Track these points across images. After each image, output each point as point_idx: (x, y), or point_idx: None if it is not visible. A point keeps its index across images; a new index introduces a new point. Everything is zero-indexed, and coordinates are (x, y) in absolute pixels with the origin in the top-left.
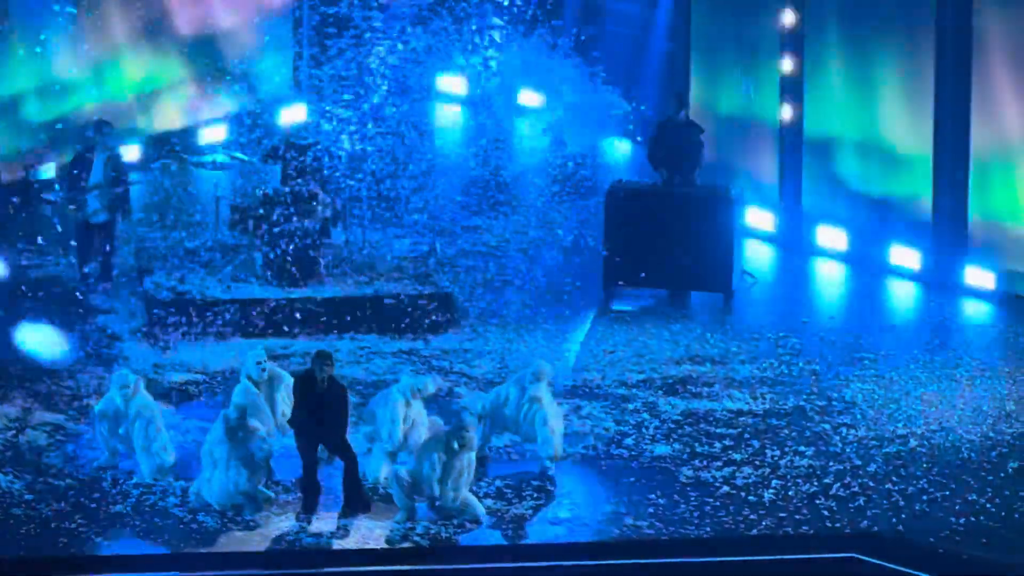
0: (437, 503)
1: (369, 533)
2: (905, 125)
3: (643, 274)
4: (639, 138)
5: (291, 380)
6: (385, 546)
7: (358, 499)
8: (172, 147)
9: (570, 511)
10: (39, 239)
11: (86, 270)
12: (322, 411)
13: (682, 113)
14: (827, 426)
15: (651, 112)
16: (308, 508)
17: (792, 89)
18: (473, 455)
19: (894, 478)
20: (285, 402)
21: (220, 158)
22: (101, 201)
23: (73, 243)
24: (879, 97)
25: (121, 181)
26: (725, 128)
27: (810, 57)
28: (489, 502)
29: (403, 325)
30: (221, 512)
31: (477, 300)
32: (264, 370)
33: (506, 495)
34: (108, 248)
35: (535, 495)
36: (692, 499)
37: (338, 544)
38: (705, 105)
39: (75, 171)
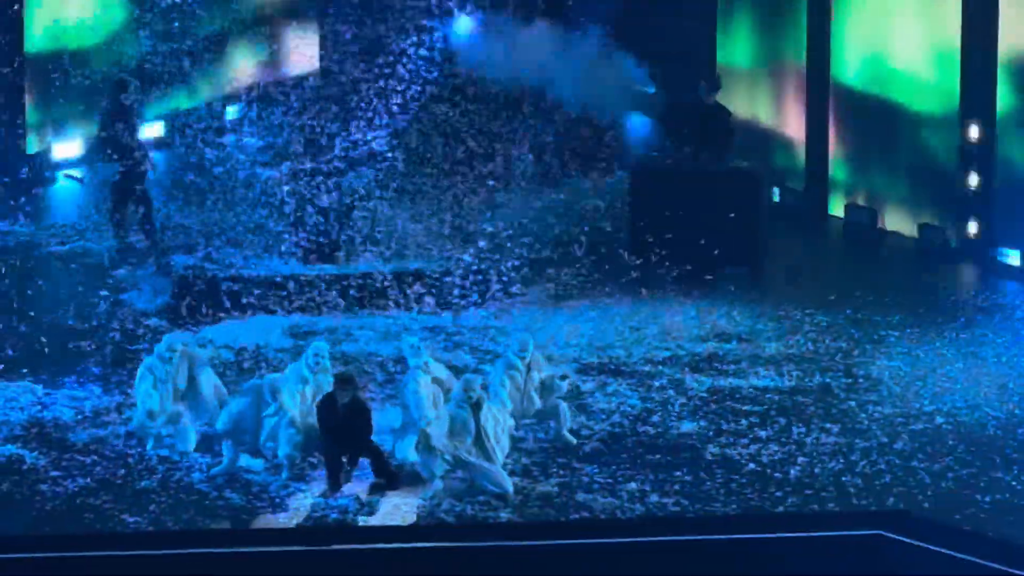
0: (459, 469)
1: (395, 510)
2: (931, 88)
3: (669, 251)
4: (663, 117)
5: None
6: (411, 523)
7: (385, 475)
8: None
9: (595, 489)
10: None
11: (122, 234)
12: (345, 434)
13: (711, 96)
14: (853, 403)
15: (676, 91)
16: (334, 487)
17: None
18: (491, 416)
19: (920, 456)
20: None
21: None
22: (134, 160)
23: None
24: (909, 59)
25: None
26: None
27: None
28: (515, 479)
29: (429, 302)
30: (245, 487)
31: (503, 277)
32: (318, 363)
33: (532, 472)
34: (147, 203)
35: (561, 472)
36: (718, 476)
37: (364, 521)
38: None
39: (105, 132)
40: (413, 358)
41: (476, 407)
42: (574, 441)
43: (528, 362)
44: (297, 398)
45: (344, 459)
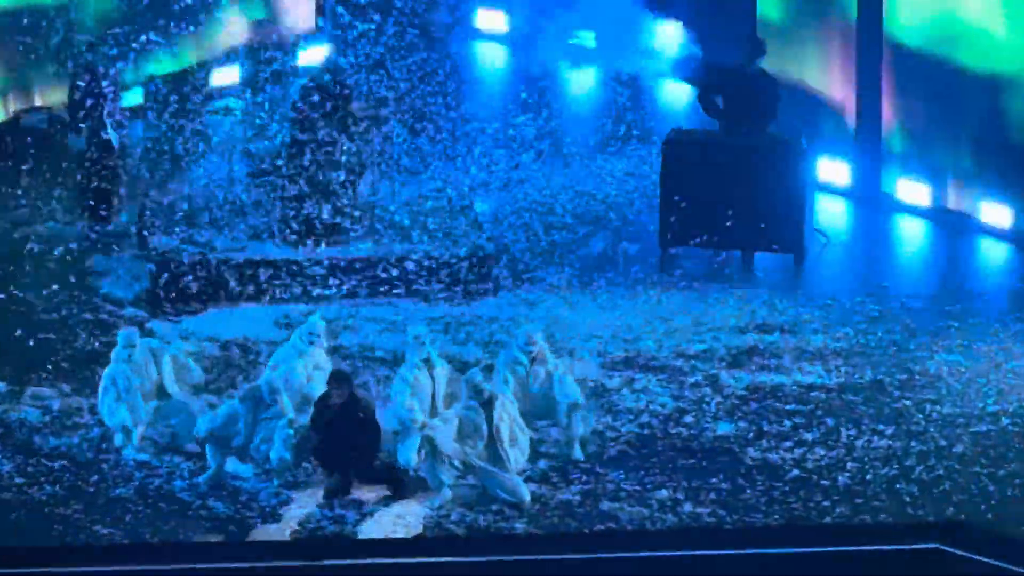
0: (470, 475)
1: (398, 521)
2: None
3: (704, 233)
4: (699, 83)
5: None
6: (415, 534)
7: (393, 485)
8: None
9: (622, 497)
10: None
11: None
12: (340, 440)
13: (756, 62)
14: (908, 402)
15: (714, 54)
16: (331, 495)
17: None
18: (505, 415)
19: (983, 460)
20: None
21: (233, 103)
22: (99, 132)
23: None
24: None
25: (105, 108)
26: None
27: None
28: (533, 487)
29: (437, 289)
30: (232, 495)
31: (519, 262)
32: (312, 343)
33: (551, 479)
34: (111, 186)
35: (583, 479)
36: (758, 484)
37: (364, 533)
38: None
39: (74, 101)
40: (412, 352)
41: (487, 405)
42: (581, 456)
43: (534, 356)
44: (298, 376)
45: (337, 470)
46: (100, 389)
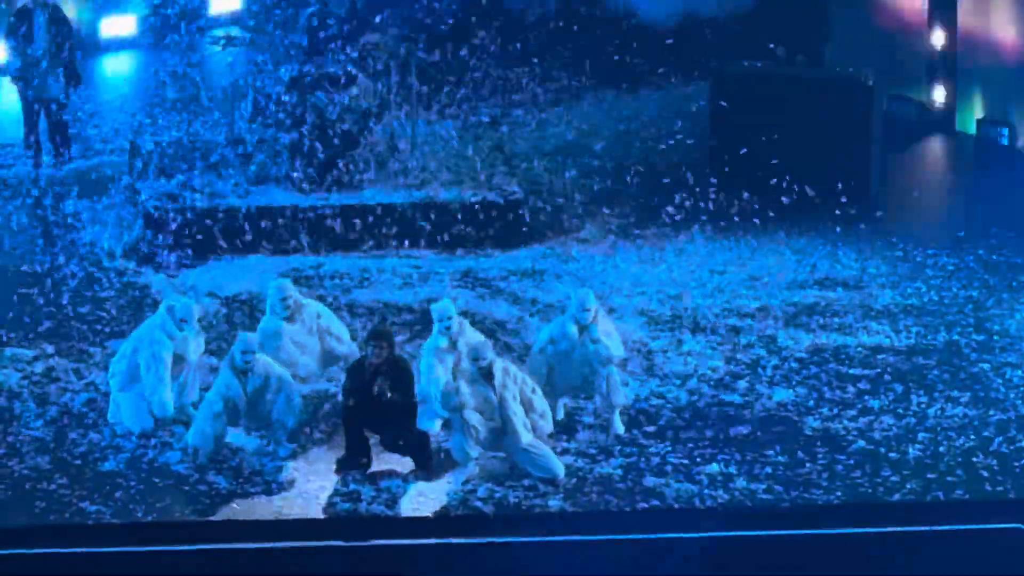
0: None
1: (420, 498)
2: None
3: (759, 177)
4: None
5: (321, 309)
6: (439, 512)
7: (423, 461)
8: None
9: (667, 471)
10: None
11: (41, 159)
12: (374, 405)
13: None
14: (986, 366)
15: None
16: (348, 466)
17: None
18: (509, 382)
19: None
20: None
21: (235, 32)
22: (49, 74)
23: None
24: None
25: (65, 47)
26: None
27: None
28: (568, 460)
29: (462, 239)
30: (236, 470)
31: (553, 209)
32: (288, 307)
33: (588, 451)
34: (62, 128)
35: (625, 451)
36: (819, 457)
37: (382, 511)
38: None
39: (15, 37)
40: (439, 321)
41: (488, 375)
42: (622, 430)
43: (587, 324)
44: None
45: (368, 435)
46: (143, 366)
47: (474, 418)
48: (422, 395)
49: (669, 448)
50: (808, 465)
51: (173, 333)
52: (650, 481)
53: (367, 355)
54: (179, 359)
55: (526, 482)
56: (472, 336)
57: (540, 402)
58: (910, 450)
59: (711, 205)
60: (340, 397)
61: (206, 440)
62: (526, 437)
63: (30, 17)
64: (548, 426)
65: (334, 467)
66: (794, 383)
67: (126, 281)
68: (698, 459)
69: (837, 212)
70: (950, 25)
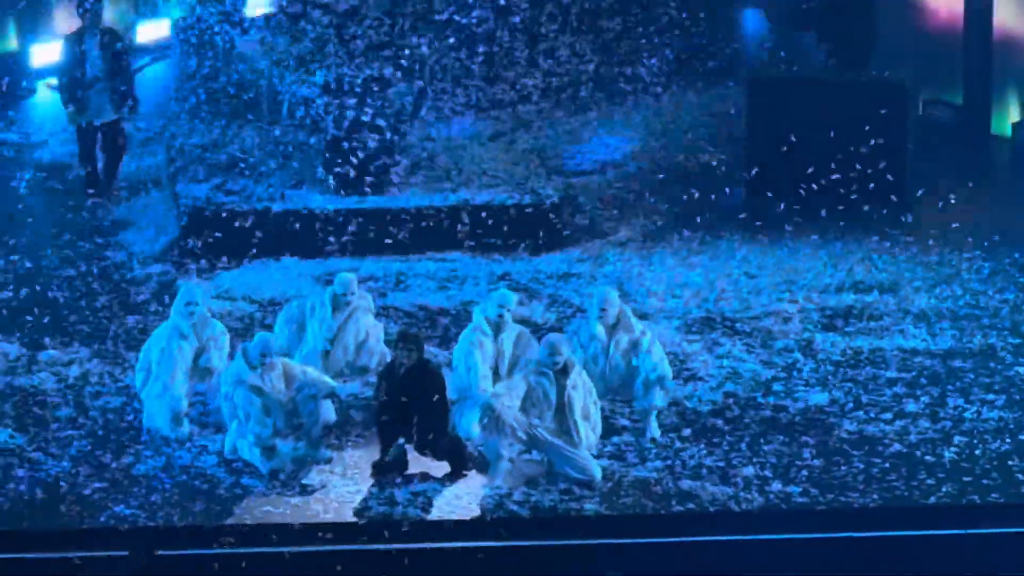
0: (534, 450)
1: (454, 501)
2: None
3: (794, 180)
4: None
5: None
6: (474, 516)
7: (458, 465)
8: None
9: (703, 475)
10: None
11: (93, 182)
12: (405, 408)
13: None
14: (1022, 369)
15: None
16: (384, 470)
17: None
18: (580, 384)
19: None
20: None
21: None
22: (102, 96)
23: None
24: None
25: (122, 68)
26: None
27: None
28: (604, 463)
29: (497, 243)
30: (271, 474)
31: (589, 212)
32: (349, 302)
33: (625, 454)
34: (115, 155)
35: (662, 454)
36: (855, 460)
37: (417, 514)
38: None
39: (67, 60)
40: (479, 314)
41: (562, 373)
42: (658, 434)
43: (613, 323)
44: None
45: (402, 440)
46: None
47: (510, 417)
48: (458, 387)
49: (705, 451)
50: (844, 468)
51: (187, 331)
52: (686, 484)
53: (398, 357)
54: (206, 371)
55: (561, 485)
56: (514, 329)
57: (596, 414)
58: (946, 453)
59: (746, 208)
60: (373, 400)
61: (283, 460)
62: (581, 444)
63: (81, 40)
64: (596, 440)
65: (370, 471)
66: (830, 386)
67: (162, 282)
68: (734, 462)
69: (873, 215)
70: (986, 29)
